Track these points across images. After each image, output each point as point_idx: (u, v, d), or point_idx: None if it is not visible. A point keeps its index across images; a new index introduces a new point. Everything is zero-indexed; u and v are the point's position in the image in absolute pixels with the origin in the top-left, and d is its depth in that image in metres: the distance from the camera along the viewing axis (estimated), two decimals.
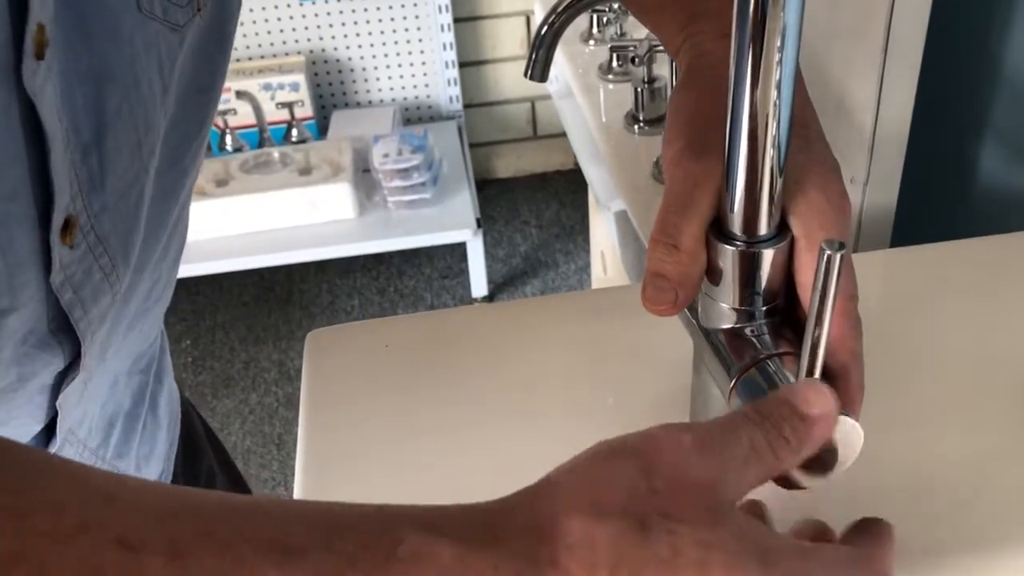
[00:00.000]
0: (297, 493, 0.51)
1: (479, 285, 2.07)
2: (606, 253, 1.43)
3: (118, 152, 0.40)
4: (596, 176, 1.25)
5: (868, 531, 0.36)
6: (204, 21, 0.44)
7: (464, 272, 2.11)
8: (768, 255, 0.42)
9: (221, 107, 2.09)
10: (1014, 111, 0.78)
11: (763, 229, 0.42)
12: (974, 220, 0.84)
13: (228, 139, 2.11)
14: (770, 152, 0.40)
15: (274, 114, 2.12)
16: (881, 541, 0.35)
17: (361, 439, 0.54)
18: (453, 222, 1.90)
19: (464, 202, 1.94)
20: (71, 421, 0.48)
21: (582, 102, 1.22)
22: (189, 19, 0.42)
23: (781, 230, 0.42)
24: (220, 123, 2.10)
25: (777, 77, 0.39)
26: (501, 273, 2.18)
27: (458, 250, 2.13)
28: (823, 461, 0.42)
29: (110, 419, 0.54)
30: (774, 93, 0.39)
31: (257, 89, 2.10)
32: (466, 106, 2.30)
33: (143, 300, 0.50)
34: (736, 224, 0.42)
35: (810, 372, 0.40)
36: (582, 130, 1.30)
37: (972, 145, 0.83)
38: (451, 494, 0.51)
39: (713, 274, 0.44)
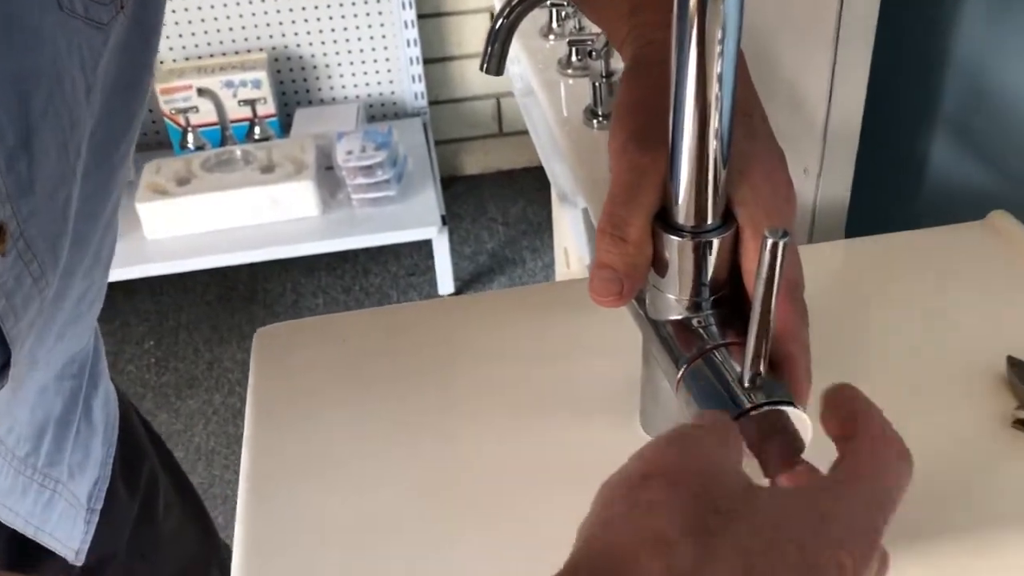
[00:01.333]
0: (240, 501, 0.50)
1: (445, 283, 2.06)
2: (569, 249, 1.42)
3: (45, 154, 0.39)
4: (558, 172, 1.25)
5: (876, 438, 0.35)
6: (127, 18, 0.43)
7: (430, 270, 2.10)
8: (713, 245, 0.42)
9: (183, 105, 2.07)
10: (965, 102, 0.79)
11: (708, 219, 0.42)
12: (927, 210, 0.84)
13: (190, 137, 2.09)
14: (713, 142, 0.40)
15: (236, 112, 2.10)
16: (883, 444, 0.35)
17: (312, 440, 0.54)
18: (418, 219, 1.89)
19: (429, 199, 1.93)
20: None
21: (542, 97, 1.22)
22: (112, 17, 0.41)
23: (727, 219, 0.42)
24: (182, 121, 2.08)
25: (719, 69, 0.39)
26: (468, 270, 2.18)
27: (424, 248, 2.12)
28: (782, 453, 0.42)
29: (40, 426, 0.52)
30: (716, 84, 0.39)
31: (219, 86, 2.08)
32: (431, 103, 2.29)
33: (75, 305, 0.49)
34: (681, 214, 0.42)
35: (755, 362, 0.39)
36: (543, 126, 1.29)
37: (924, 136, 0.84)
38: (410, 492, 0.50)
39: (659, 265, 0.43)
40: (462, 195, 2.39)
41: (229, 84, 2.09)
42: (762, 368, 0.40)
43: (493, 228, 2.29)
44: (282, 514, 0.49)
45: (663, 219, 0.43)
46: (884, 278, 0.63)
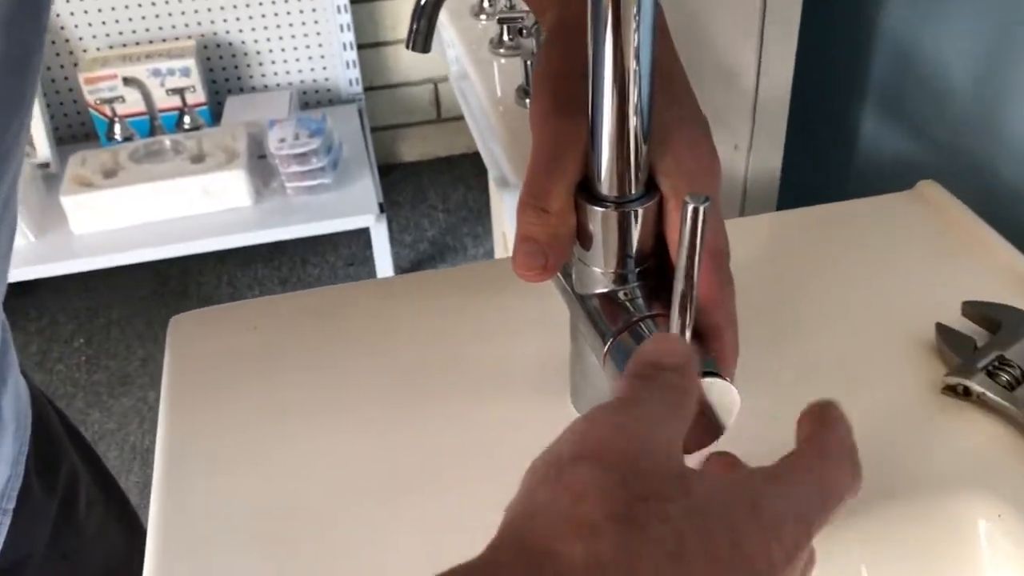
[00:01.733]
0: (155, 495, 0.48)
1: (385, 271, 2.03)
2: (508, 235, 1.41)
3: None
4: (495, 156, 1.23)
5: (829, 442, 0.34)
6: None
7: (370, 259, 2.07)
8: (637, 215, 0.41)
9: (109, 95, 2.00)
10: (893, 74, 0.79)
11: (631, 189, 0.41)
12: (857, 182, 0.84)
13: (117, 128, 2.03)
14: (634, 111, 0.39)
15: (164, 101, 2.04)
16: (837, 450, 0.33)
17: (227, 429, 0.51)
18: (355, 207, 1.86)
19: (366, 187, 1.90)
20: None
21: (475, 79, 1.20)
22: None
23: (650, 189, 0.41)
24: (108, 111, 2.01)
25: (636, 39, 0.38)
26: (408, 259, 2.15)
27: (363, 236, 2.08)
28: (705, 427, 0.41)
29: None
30: (633, 53, 0.38)
31: (145, 75, 2.02)
32: (367, 89, 2.26)
33: None
34: (604, 184, 0.41)
35: (681, 332, 0.38)
36: (478, 109, 1.28)
37: (853, 109, 0.84)
38: (334, 481, 0.48)
39: (584, 237, 0.42)
40: (400, 182, 2.36)
41: (156, 73, 2.03)
42: (687, 339, 0.38)
43: (433, 215, 2.27)
44: (197, 510, 0.47)
45: (586, 190, 0.41)
46: (815, 249, 0.63)
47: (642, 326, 0.41)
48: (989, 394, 0.49)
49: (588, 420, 0.32)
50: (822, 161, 0.89)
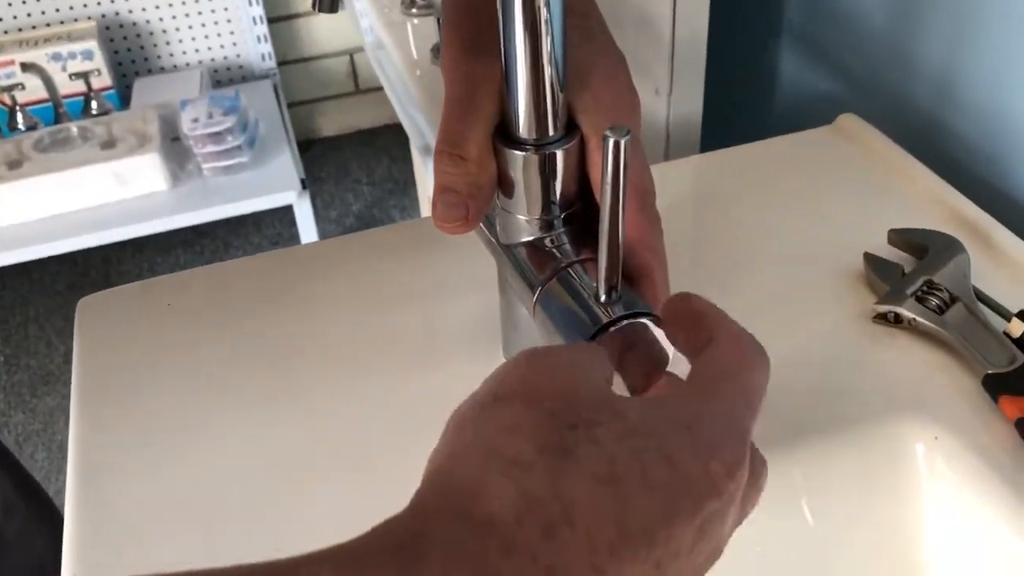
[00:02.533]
0: (70, 487, 0.45)
1: None
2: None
3: None
4: (416, 123, 1.21)
5: (728, 339, 0.33)
6: None
7: (295, 237, 2.03)
8: (558, 157, 0.39)
9: (7, 82, 1.91)
10: (808, 10, 0.79)
11: (550, 130, 0.39)
12: (778, 121, 0.84)
13: (19, 117, 1.94)
14: (547, 49, 0.38)
15: (68, 86, 1.96)
16: (740, 346, 0.33)
17: (145, 414, 0.49)
18: (276, 185, 1.81)
19: (286, 163, 1.85)
20: None
21: (389, 42, 1.17)
22: None
23: (570, 130, 0.40)
24: (7, 100, 1.92)
25: None
26: (335, 234, 2.11)
27: (286, 215, 2.04)
28: (646, 366, 0.40)
29: None
30: None
31: (45, 60, 1.93)
32: (280, 63, 2.20)
33: None
34: (522, 127, 0.39)
35: (610, 274, 0.37)
36: (395, 76, 1.25)
37: (770, 48, 0.83)
38: (255, 464, 0.46)
39: (505, 184, 0.41)
40: (321, 157, 2.31)
41: (57, 57, 1.94)
42: (617, 281, 0.37)
43: (358, 189, 2.23)
44: (116, 499, 0.44)
45: (504, 134, 0.40)
46: (739, 188, 0.63)
47: (570, 272, 0.40)
48: (920, 319, 0.49)
49: (511, 362, 0.31)
50: (743, 102, 0.89)
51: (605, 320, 0.37)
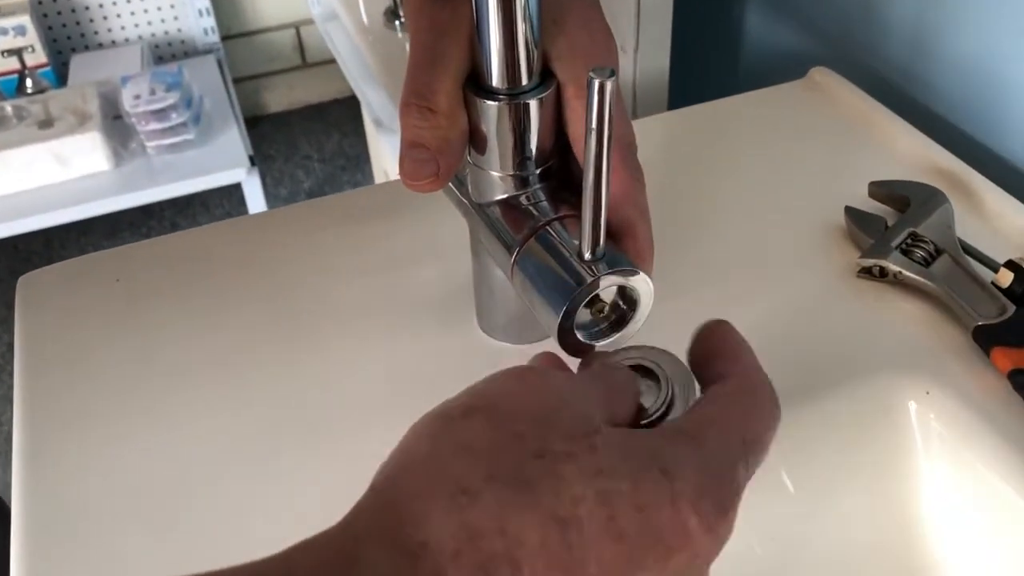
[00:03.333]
0: (16, 474, 0.42)
1: None
2: (389, 171, 1.35)
3: None
4: (370, 97, 1.17)
5: (722, 356, 0.31)
6: None
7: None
8: (533, 107, 0.37)
9: None
10: None
11: (524, 79, 0.37)
12: (748, 77, 0.82)
13: None
14: None
15: (1, 64, 1.88)
16: (738, 356, 0.31)
17: (94, 396, 0.45)
18: (223, 162, 1.75)
19: (233, 139, 1.80)
20: None
21: (340, 10, 1.13)
22: None
23: (545, 79, 0.37)
24: None
25: None
26: None
27: (235, 193, 1.98)
28: (614, 320, 0.38)
29: None
30: None
31: None
32: (224, 38, 2.13)
33: None
34: (494, 76, 0.36)
35: (594, 229, 0.35)
36: (347, 47, 1.21)
37: (738, 3, 0.81)
38: (210, 441, 0.43)
39: (477, 138, 0.38)
40: (270, 134, 2.26)
41: None
42: (602, 237, 0.35)
43: (308, 166, 2.18)
44: (64, 484, 0.41)
45: (475, 84, 0.37)
46: (712, 146, 0.61)
47: (549, 230, 0.38)
48: (905, 272, 0.48)
49: (500, 374, 0.28)
50: (710, 58, 0.87)
51: (590, 279, 0.35)
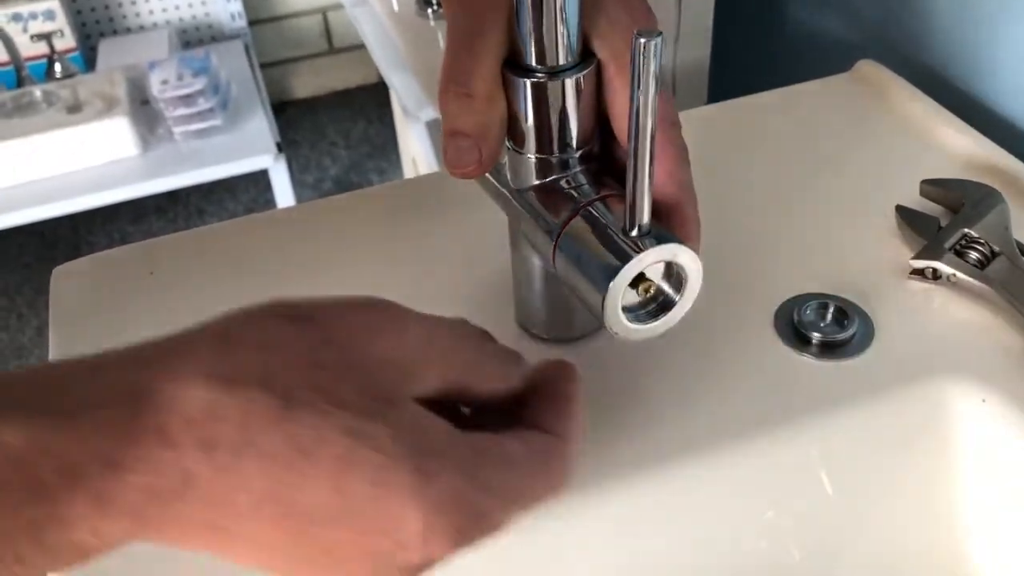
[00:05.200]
0: None
1: None
2: (417, 160, 1.34)
3: None
4: (399, 83, 1.16)
5: (556, 406, 0.31)
6: None
7: (271, 203, 1.97)
8: (572, 85, 0.36)
9: None
10: None
11: (563, 58, 0.35)
12: (791, 68, 0.80)
13: None
14: None
15: (30, 48, 1.88)
16: (568, 417, 0.31)
17: None
18: (250, 148, 1.75)
19: (260, 126, 1.79)
20: None
21: None
22: None
23: (586, 58, 0.36)
24: None
25: None
26: (312, 199, 2.05)
27: (262, 180, 1.98)
28: (661, 302, 0.37)
29: None
30: None
31: (5, 21, 1.85)
32: (251, 23, 2.12)
33: None
34: (532, 55, 0.35)
35: (639, 202, 0.33)
36: (377, 33, 1.19)
37: None
38: None
39: (515, 121, 0.37)
40: (297, 120, 2.25)
41: (17, 18, 1.87)
42: (647, 210, 0.34)
43: (335, 152, 2.17)
44: None
45: (513, 66, 0.36)
46: (754, 141, 0.59)
47: (592, 210, 0.36)
48: (960, 274, 0.46)
49: (366, 299, 0.28)
50: (752, 49, 0.85)
51: (635, 253, 0.34)
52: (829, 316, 0.46)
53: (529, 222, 0.38)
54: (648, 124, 0.31)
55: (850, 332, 0.45)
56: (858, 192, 0.54)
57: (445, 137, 0.35)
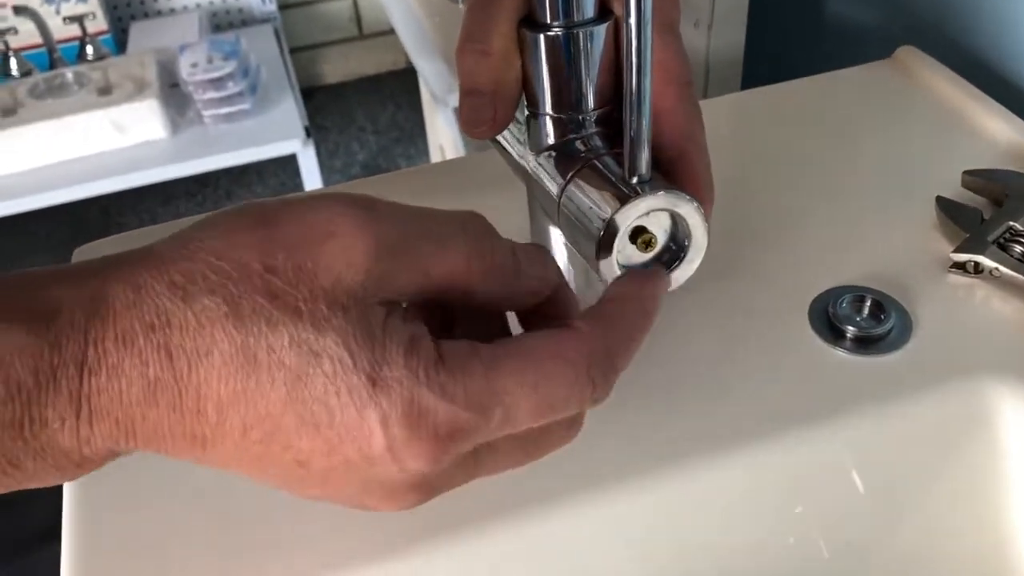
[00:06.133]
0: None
1: None
2: (445, 146, 1.33)
3: None
4: (427, 68, 1.15)
5: (608, 315, 0.29)
6: None
7: (299, 187, 1.97)
8: (588, 38, 0.34)
9: None
10: None
11: (580, 13, 0.34)
12: (827, 54, 0.78)
13: (13, 62, 1.87)
14: None
15: (63, 31, 1.89)
16: (618, 334, 0.29)
17: None
18: (279, 133, 1.75)
19: (289, 110, 1.79)
20: None
21: None
22: None
23: (604, 16, 0.35)
24: (0, 45, 1.86)
25: None
26: (340, 184, 2.05)
27: (290, 164, 1.98)
28: (666, 261, 0.35)
29: None
30: None
31: (38, 3, 1.86)
32: (281, 7, 2.12)
33: None
34: (548, 10, 0.34)
35: (637, 143, 0.32)
36: (407, 19, 1.19)
37: None
38: None
39: (531, 77, 0.36)
40: (326, 105, 2.25)
41: (49, 0, 1.88)
42: (646, 154, 0.32)
43: (363, 138, 2.17)
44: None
45: (530, 23, 0.35)
46: (789, 129, 0.57)
47: (597, 163, 0.35)
48: (1004, 268, 0.44)
49: (344, 197, 0.27)
50: (788, 34, 0.83)
51: (632, 197, 0.32)
52: (865, 309, 0.44)
53: (539, 186, 0.37)
54: (645, 56, 0.30)
55: (887, 327, 0.43)
56: (897, 182, 0.52)
57: (461, 95, 0.35)
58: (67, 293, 0.24)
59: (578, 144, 0.36)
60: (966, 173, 0.49)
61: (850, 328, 0.43)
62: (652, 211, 0.33)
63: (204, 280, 0.24)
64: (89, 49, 1.91)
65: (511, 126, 0.38)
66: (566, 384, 0.26)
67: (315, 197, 0.26)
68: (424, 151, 2.08)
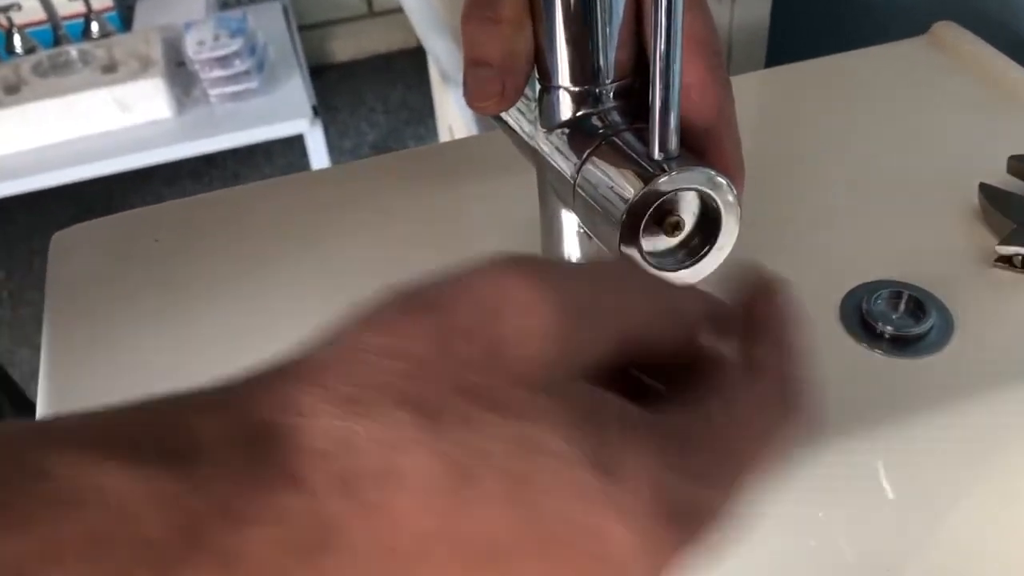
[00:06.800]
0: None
1: None
2: (454, 126, 1.30)
3: None
4: (438, 50, 1.11)
5: (759, 338, 0.25)
6: None
7: (307, 168, 1.94)
8: (604, 2, 0.31)
9: (2, 3, 1.81)
10: None
11: None
12: (857, 30, 0.75)
13: (16, 39, 1.84)
14: None
15: (67, 7, 1.85)
16: (778, 348, 0.25)
17: (121, 372, 0.41)
18: (286, 112, 1.71)
19: (296, 89, 1.76)
20: None
21: None
22: None
23: None
24: (4, 22, 1.82)
25: None
26: None
27: (298, 144, 1.94)
28: (694, 247, 0.32)
29: None
30: None
31: None
32: None
33: None
34: None
35: (665, 117, 0.29)
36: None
37: None
38: None
39: (544, 53, 0.32)
40: (335, 84, 2.21)
41: None
42: (673, 128, 0.29)
43: (373, 118, 2.13)
44: None
45: None
46: (816, 109, 0.54)
47: (617, 140, 0.32)
48: None
49: (498, 264, 0.22)
50: (816, 9, 0.79)
51: (657, 176, 0.29)
52: (902, 307, 0.41)
53: (552, 165, 0.34)
54: (675, 25, 0.27)
55: (926, 326, 0.40)
56: (936, 168, 0.48)
57: (466, 67, 0.32)
58: (208, 422, 0.19)
59: (595, 120, 0.33)
60: (1013, 158, 0.46)
61: (886, 327, 0.40)
62: (680, 191, 0.30)
63: (384, 389, 0.20)
64: (94, 26, 1.87)
65: (519, 102, 0.34)
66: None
67: (468, 269, 0.22)
68: (434, 132, 2.05)
